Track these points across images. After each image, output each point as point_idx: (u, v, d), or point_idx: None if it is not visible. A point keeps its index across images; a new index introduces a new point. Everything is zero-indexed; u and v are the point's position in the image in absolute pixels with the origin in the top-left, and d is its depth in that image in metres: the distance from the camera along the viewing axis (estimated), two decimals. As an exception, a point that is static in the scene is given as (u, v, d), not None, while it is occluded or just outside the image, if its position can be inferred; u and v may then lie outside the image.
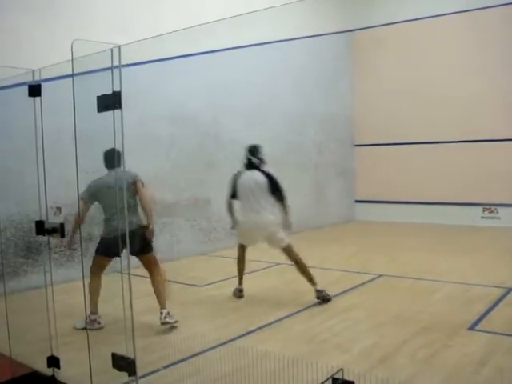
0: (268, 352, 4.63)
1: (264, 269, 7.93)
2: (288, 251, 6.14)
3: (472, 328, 5.19)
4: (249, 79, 10.65)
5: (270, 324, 5.49)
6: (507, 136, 11.99)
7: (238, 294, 6.51)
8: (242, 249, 6.56)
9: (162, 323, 5.34)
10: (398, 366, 4.29)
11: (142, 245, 5.28)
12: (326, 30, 12.28)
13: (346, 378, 2.72)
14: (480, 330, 5.13)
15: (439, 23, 12.11)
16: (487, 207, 12.40)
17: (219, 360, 4.52)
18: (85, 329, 4.92)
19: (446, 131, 12.70)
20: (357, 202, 14.46)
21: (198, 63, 9.34)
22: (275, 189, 6.20)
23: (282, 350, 4.67)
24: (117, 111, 3.19)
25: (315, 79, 12.74)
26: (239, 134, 10.11)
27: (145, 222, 5.35)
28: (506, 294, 6.18)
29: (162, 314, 5.37)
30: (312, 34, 11.80)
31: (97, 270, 5.47)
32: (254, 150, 6.42)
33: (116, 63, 3.13)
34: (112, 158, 5.08)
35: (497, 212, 12.32)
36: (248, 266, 6.84)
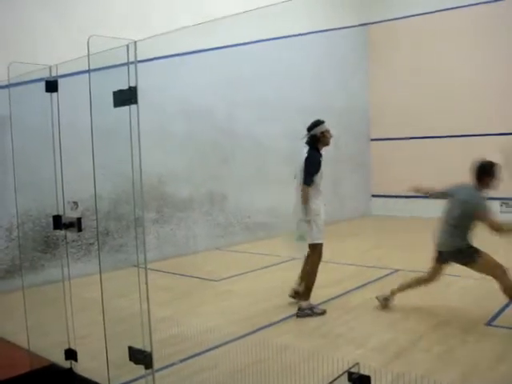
0: (283, 346, 4.64)
1: (280, 263, 7.93)
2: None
3: (489, 323, 5.16)
4: (264, 74, 10.63)
5: (285, 319, 5.50)
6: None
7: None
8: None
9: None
10: (413, 361, 4.28)
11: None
12: (340, 25, 12.22)
13: (362, 372, 2.72)
14: (497, 326, 5.10)
15: (454, 15, 11.96)
16: (505, 201, 12.26)
17: (235, 354, 4.54)
18: None
19: (463, 124, 12.58)
20: (373, 196, 14.40)
21: (214, 58, 9.34)
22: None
23: (297, 345, 4.69)
24: (133, 106, 3.21)
25: (331, 74, 12.70)
26: (254, 129, 10.12)
27: None
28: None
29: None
30: (327, 29, 11.75)
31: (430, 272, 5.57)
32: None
33: (132, 59, 3.15)
34: None
35: (514, 206, 12.18)
36: (262, 261, 6.83)
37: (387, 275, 7.19)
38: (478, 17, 11.92)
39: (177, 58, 8.64)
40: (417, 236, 10.51)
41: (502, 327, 5.05)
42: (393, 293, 5.65)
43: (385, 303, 5.66)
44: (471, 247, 5.17)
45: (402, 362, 4.28)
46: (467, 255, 5.14)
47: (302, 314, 5.57)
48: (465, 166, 11.67)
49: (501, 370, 4.07)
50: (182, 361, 4.37)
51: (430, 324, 5.15)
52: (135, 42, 3.12)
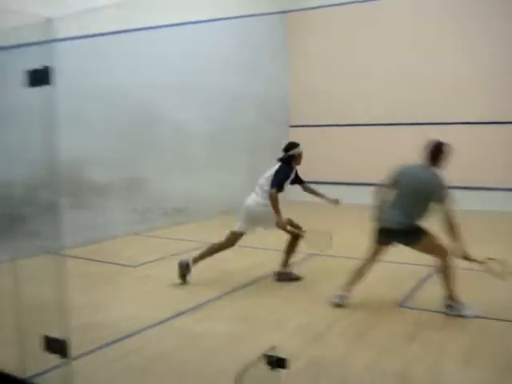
0: (203, 331, 4.66)
1: (197, 248, 7.91)
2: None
3: (401, 305, 5.37)
4: (185, 58, 10.52)
5: (204, 303, 5.49)
6: (445, 119, 12.20)
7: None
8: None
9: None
10: (330, 344, 4.40)
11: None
12: (258, 11, 12.26)
13: (279, 355, 2.76)
14: (409, 307, 5.31)
15: (374, 3, 12.21)
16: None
17: (155, 340, 4.52)
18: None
19: (380, 113, 12.91)
20: (291, 182, 14.54)
21: (132, 40, 9.13)
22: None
23: (216, 329, 4.72)
24: (47, 87, 3.08)
25: (252, 60, 12.71)
26: (174, 113, 10.01)
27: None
28: (434, 272, 6.38)
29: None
30: (248, 14, 11.76)
31: (370, 254, 5.44)
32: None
33: (47, 37, 3.02)
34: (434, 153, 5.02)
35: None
36: (181, 246, 6.75)
37: (303, 260, 7.30)
38: (398, 3, 12.27)
39: (96, 38, 8.37)
40: (330, 220, 10.77)
41: (413, 308, 5.27)
42: None
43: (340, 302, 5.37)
44: (420, 228, 5.08)
45: (319, 345, 4.38)
46: (414, 235, 5.05)
47: (280, 278, 6.35)
48: (383, 153, 11.98)
49: (413, 349, 4.25)
50: (99, 348, 4.29)
51: (346, 307, 5.28)
52: (51, 20, 3.00)
